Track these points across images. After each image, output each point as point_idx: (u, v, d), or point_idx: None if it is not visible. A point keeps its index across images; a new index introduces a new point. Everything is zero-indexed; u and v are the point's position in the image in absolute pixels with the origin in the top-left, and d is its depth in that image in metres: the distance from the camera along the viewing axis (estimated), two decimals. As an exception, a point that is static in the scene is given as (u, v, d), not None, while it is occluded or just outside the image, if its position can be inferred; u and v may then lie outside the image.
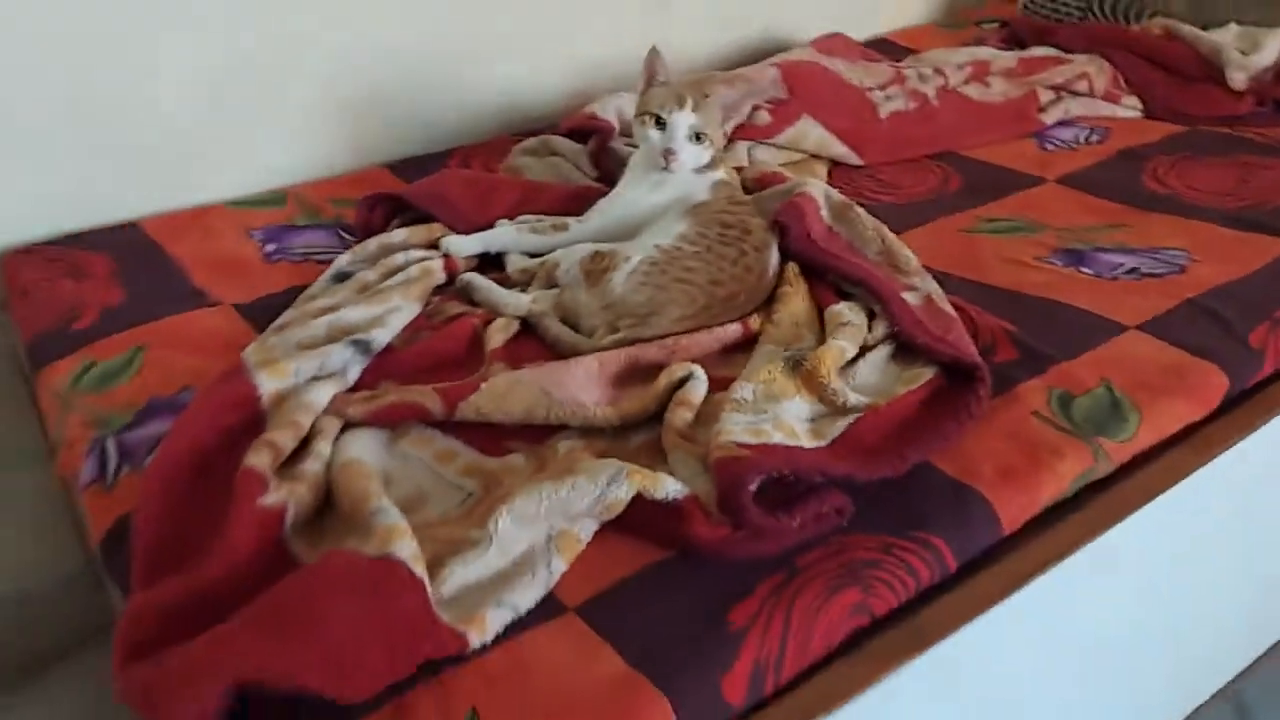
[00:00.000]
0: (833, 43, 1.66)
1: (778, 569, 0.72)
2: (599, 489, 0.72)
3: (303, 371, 0.88)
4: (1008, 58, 1.63)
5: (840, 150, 1.41)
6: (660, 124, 1.07)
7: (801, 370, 0.89)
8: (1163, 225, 1.23)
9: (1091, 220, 1.24)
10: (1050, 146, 1.48)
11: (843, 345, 0.92)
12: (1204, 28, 1.66)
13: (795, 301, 1.01)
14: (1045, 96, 1.56)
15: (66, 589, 1.39)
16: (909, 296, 1.00)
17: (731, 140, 1.36)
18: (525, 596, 0.69)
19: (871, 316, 0.99)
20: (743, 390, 0.86)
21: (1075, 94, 1.58)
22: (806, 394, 0.88)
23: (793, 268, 1.05)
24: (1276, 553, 1.13)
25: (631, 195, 1.11)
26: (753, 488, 0.73)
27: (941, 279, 1.07)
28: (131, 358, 0.99)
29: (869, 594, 0.72)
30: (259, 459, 0.75)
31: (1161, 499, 0.85)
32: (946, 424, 0.84)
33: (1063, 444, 0.85)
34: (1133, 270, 1.12)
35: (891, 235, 1.10)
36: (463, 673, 0.64)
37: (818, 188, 1.14)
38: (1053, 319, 1.03)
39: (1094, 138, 1.50)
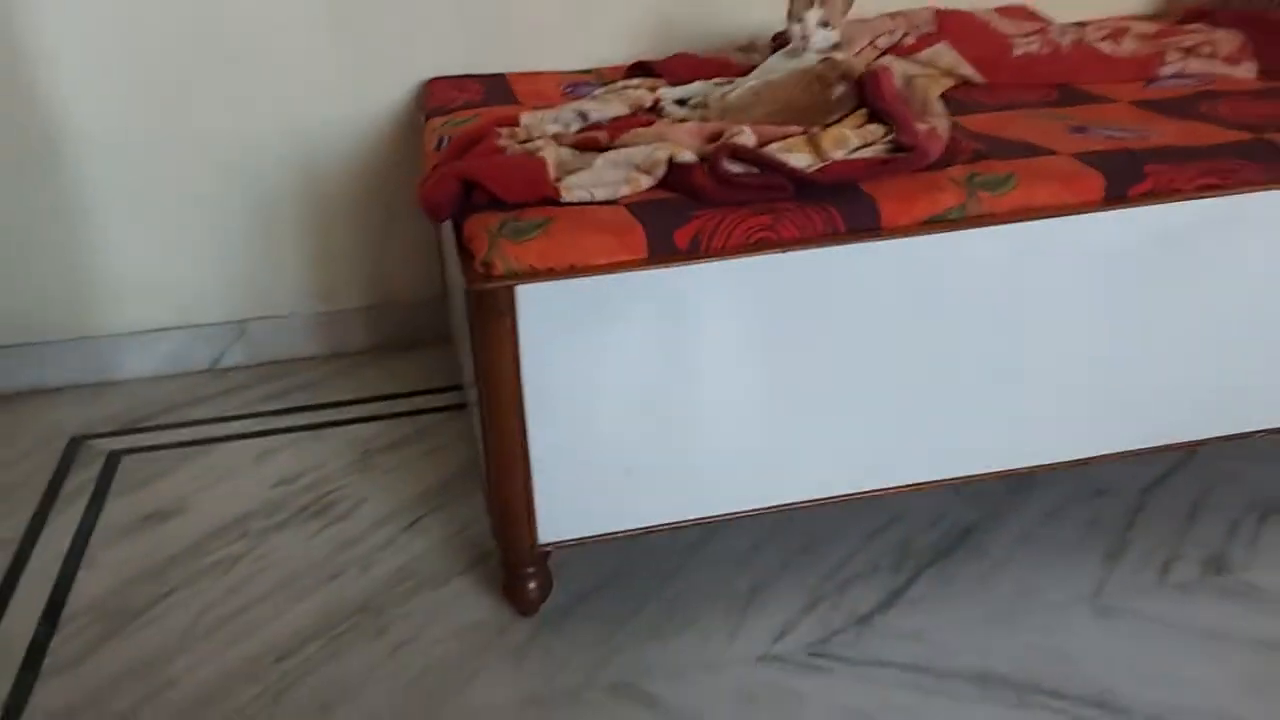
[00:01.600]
0: (1011, 9, 2.15)
1: (733, 204, 1.34)
2: (649, 149, 1.39)
3: (545, 118, 1.62)
4: (1148, 25, 2.03)
5: (968, 71, 1.93)
6: (799, 20, 1.70)
7: (813, 139, 1.49)
8: (1170, 125, 1.63)
9: (1123, 120, 1.68)
10: (1151, 86, 1.89)
11: (847, 133, 1.50)
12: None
13: (849, 123, 1.59)
14: (1171, 55, 1.96)
15: (430, 304, 2.25)
16: (919, 125, 1.54)
17: (883, 54, 1.95)
18: (599, 193, 1.36)
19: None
20: (772, 145, 1.48)
21: (1199, 55, 1.95)
22: (810, 152, 1.47)
23: (862, 110, 1.63)
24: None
25: (774, 61, 1.74)
26: (729, 161, 1.36)
27: (977, 135, 1.59)
28: (471, 118, 1.79)
29: (777, 222, 1.32)
30: (502, 130, 1.50)
31: (999, 227, 1.35)
32: (879, 167, 1.41)
33: (951, 189, 1.38)
34: (1109, 135, 1.57)
35: (934, 97, 1.63)
36: (555, 208, 1.33)
37: (899, 68, 1.71)
38: (1014, 146, 1.51)
39: (1193, 83, 1.88)
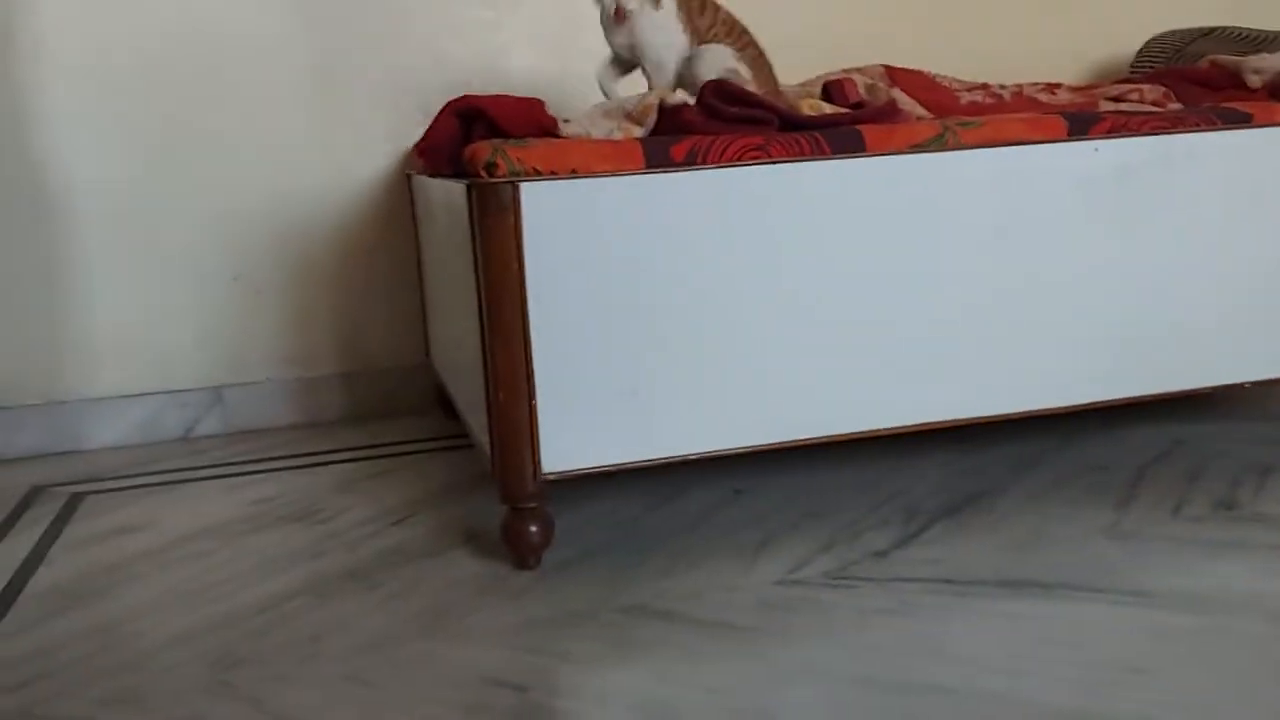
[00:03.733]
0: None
1: (728, 129, 1.41)
2: (639, 97, 1.47)
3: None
4: (1078, 85, 2.23)
5: (921, 112, 2.08)
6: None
7: (792, 105, 1.58)
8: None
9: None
10: (1090, 122, 2.05)
11: (821, 103, 1.60)
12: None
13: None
14: (1104, 104, 2.13)
15: (411, 372, 2.25)
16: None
17: (842, 101, 2.10)
18: (596, 132, 1.42)
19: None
20: (755, 106, 1.57)
21: (1128, 101, 2.13)
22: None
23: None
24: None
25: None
26: (714, 95, 1.44)
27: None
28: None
29: (768, 144, 1.38)
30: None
31: (967, 152, 1.44)
32: (857, 113, 1.50)
33: (927, 126, 1.47)
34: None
35: (891, 92, 1.77)
36: (556, 140, 1.39)
37: (861, 80, 1.84)
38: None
39: (1129, 117, 2.04)
